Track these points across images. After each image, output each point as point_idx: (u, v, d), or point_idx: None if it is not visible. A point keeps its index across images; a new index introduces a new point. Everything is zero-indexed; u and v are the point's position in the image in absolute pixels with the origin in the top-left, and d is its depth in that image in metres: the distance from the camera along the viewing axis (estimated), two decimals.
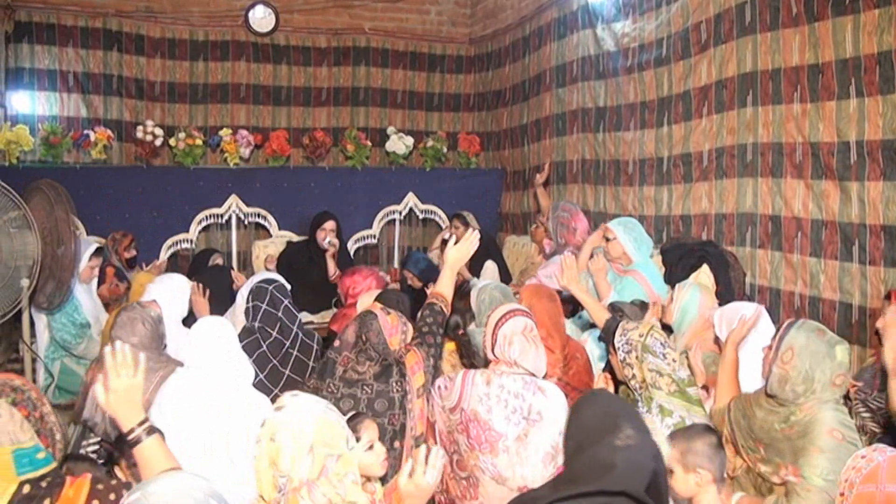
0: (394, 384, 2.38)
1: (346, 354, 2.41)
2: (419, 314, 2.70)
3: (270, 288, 3.15)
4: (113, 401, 1.73)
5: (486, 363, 2.53)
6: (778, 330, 2.24)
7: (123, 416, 1.73)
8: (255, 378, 2.90)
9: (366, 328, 2.43)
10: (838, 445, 2.02)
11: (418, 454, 1.80)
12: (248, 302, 3.14)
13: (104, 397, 1.73)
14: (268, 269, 4.80)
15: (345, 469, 1.68)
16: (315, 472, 1.64)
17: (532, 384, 2.36)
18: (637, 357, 2.40)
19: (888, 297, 2.91)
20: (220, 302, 3.63)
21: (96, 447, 2.64)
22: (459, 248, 2.76)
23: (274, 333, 3.07)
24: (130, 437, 1.72)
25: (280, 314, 3.10)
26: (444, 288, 2.73)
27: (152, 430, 1.73)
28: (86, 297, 4.01)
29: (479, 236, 2.84)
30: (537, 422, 2.31)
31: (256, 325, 3.08)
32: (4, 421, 1.69)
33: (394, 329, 2.49)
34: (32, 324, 3.87)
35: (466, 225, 5.52)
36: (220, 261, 4.85)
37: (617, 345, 2.47)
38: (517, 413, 2.32)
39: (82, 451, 2.64)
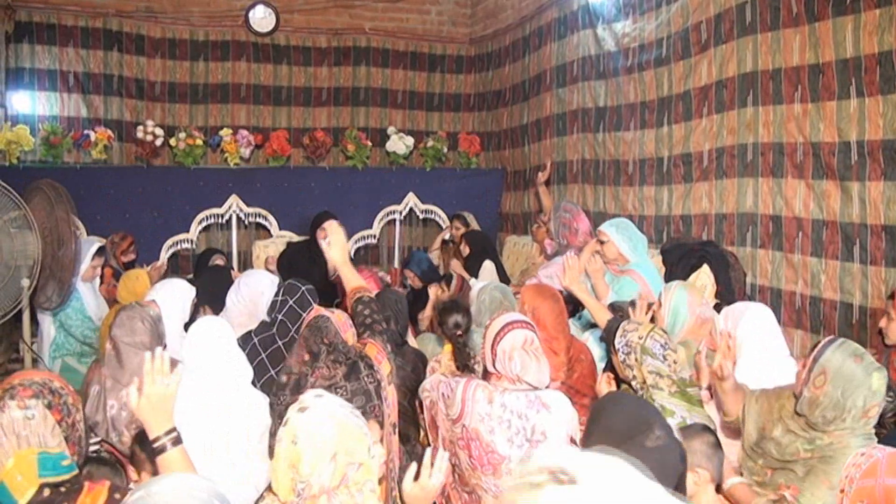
0: (365, 378, 2.35)
1: (318, 366, 2.37)
2: (353, 309, 2.61)
3: (303, 289, 3.12)
4: (144, 406, 1.74)
5: (486, 372, 2.50)
6: (814, 348, 2.13)
7: (152, 422, 1.74)
8: (266, 375, 2.89)
9: (323, 332, 2.39)
10: None
11: (424, 458, 1.78)
12: (277, 295, 3.11)
13: (136, 401, 1.74)
14: (269, 270, 4.79)
15: (364, 478, 1.63)
16: (336, 480, 1.59)
17: (536, 401, 2.29)
18: (636, 359, 2.39)
19: (891, 296, 2.90)
20: (221, 303, 3.61)
21: (96, 447, 2.63)
22: (338, 246, 2.65)
23: (292, 331, 3.04)
24: (156, 445, 1.73)
25: (305, 315, 3.07)
26: (355, 281, 2.65)
27: (178, 441, 1.74)
28: (89, 295, 4.01)
29: (336, 223, 2.72)
30: (541, 442, 2.26)
31: (279, 317, 3.04)
32: (37, 422, 1.68)
33: (344, 326, 2.46)
34: (35, 323, 3.87)
35: (467, 225, 5.53)
36: (220, 261, 4.85)
37: (617, 346, 2.47)
38: (520, 434, 2.26)
39: None
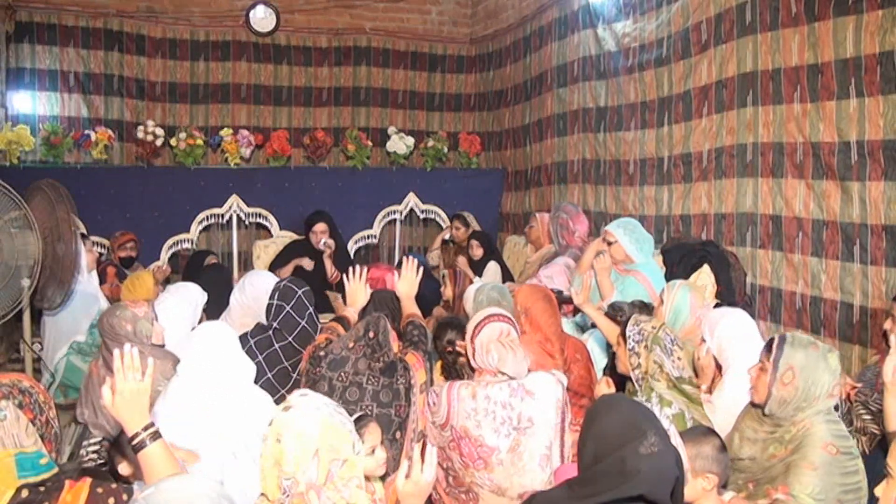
0: (398, 377, 2.38)
1: (359, 345, 2.39)
2: (404, 329, 2.70)
3: (300, 292, 3.08)
4: (118, 403, 1.72)
5: (472, 372, 2.53)
6: (769, 348, 2.19)
7: (129, 419, 1.72)
8: (263, 377, 2.89)
9: (375, 325, 2.42)
10: (832, 460, 2.01)
11: (414, 454, 1.79)
12: (272, 298, 3.09)
13: (110, 400, 1.73)
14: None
15: (349, 473, 1.66)
16: (321, 477, 1.62)
17: (519, 390, 2.34)
18: (646, 346, 2.42)
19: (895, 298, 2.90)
20: (220, 302, 3.61)
21: (97, 447, 2.63)
22: (407, 282, 2.88)
23: (290, 339, 3.03)
24: (135, 442, 1.71)
25: (304, 322, 3.04)
26: (414, 310, 2.82)
27: (157, 436, 1.73)
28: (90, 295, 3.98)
29: (416, 263, 2.91)
30: (529, 428, 2.31)
31: (275, 325, 3.03)
32: (10, 423, 1.68)
33: (394, 335, 2.51)
34: (35, 323, 3.87)
35: (467, 226, 5.53)
36: (214, 262, 4.83)
37: (628, 334, 2.49)
38: (506, 424, 2.31)
39: (82, 451, 2.63)
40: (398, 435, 2.35)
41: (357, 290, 2.90)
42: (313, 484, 1.62)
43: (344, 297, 4.31)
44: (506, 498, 2.31)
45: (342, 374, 2.37)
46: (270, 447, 1.65)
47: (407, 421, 2.37)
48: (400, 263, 4.88)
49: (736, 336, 2.60)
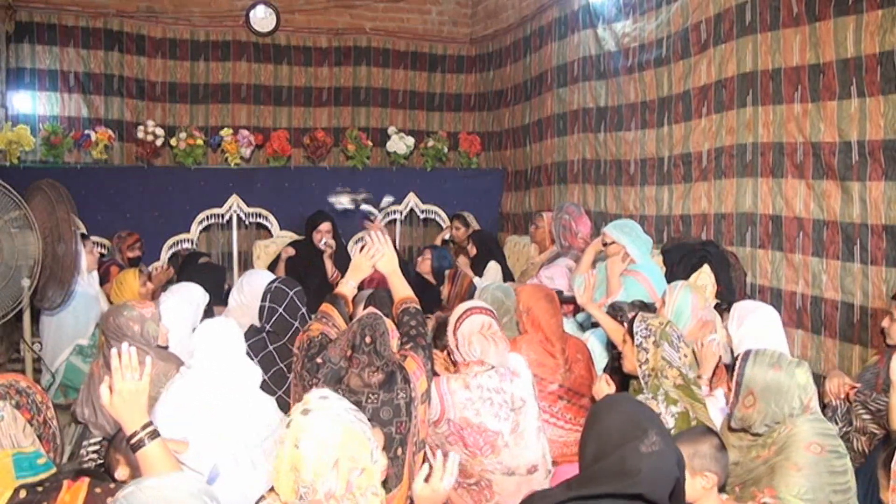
0: (398, 391, 2.32)
1: (356, 357, 2.34)
2: (399, 319, 2.61)
3: (291, 293, 3.07)
4: (117, 403, 1.72)
5: (455, 364, 2.55)
6: (733, 366, 2.18)
7: (127, 418, 1.72)
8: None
9: (372, 329, 2.36)
10: (817, 460, 2.00)
11: (436, 461, 1.79)
12: (263, 301, 3.08)
13: (108, 399, 1.73)
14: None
15: (367, 482, 1.62)
16: (340, 488, 1.58)
17: (507, 373, 2.46)
18: (654, 342, 2.43)
19: (895, 297, 2.90)
20: (216, 301, 3.60)
21: (97, 447, 2.63)
22: (385, 259, 2.61)
23: (283, 340, 3.02)
24: (133, 441, 1.71)
25: (297, 323, 3.02)
26: (404, 292, 2.62)
27: (155, 435, 1.72)
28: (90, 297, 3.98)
29: (379, 234, 2.67)
30: (522, 407, 2.43)
31: (268, 328, 3.03)
32: (7, 423, 1.67)
33: (393, 332, 2.47)
34: (35, 323, 3.87)
35: (467, 226, 5.53)
36: (205, 261, 4.82)
37: (635, 330, 2.50)
38: (504, 407, 2.40)
39: (82, 451, 2.63)
40: (399, 451, 2.30)
41: (362, 261, 2.65)
42: (332, 493, 1.58)
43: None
44: (517, 476, 2.40)
45: (339, 390, 2.32)
46: (288, 451, 1.60)
47: (408, 436, 2.34)
48: (433, 248, 4.85)
49: (756, 334, 2.59)
